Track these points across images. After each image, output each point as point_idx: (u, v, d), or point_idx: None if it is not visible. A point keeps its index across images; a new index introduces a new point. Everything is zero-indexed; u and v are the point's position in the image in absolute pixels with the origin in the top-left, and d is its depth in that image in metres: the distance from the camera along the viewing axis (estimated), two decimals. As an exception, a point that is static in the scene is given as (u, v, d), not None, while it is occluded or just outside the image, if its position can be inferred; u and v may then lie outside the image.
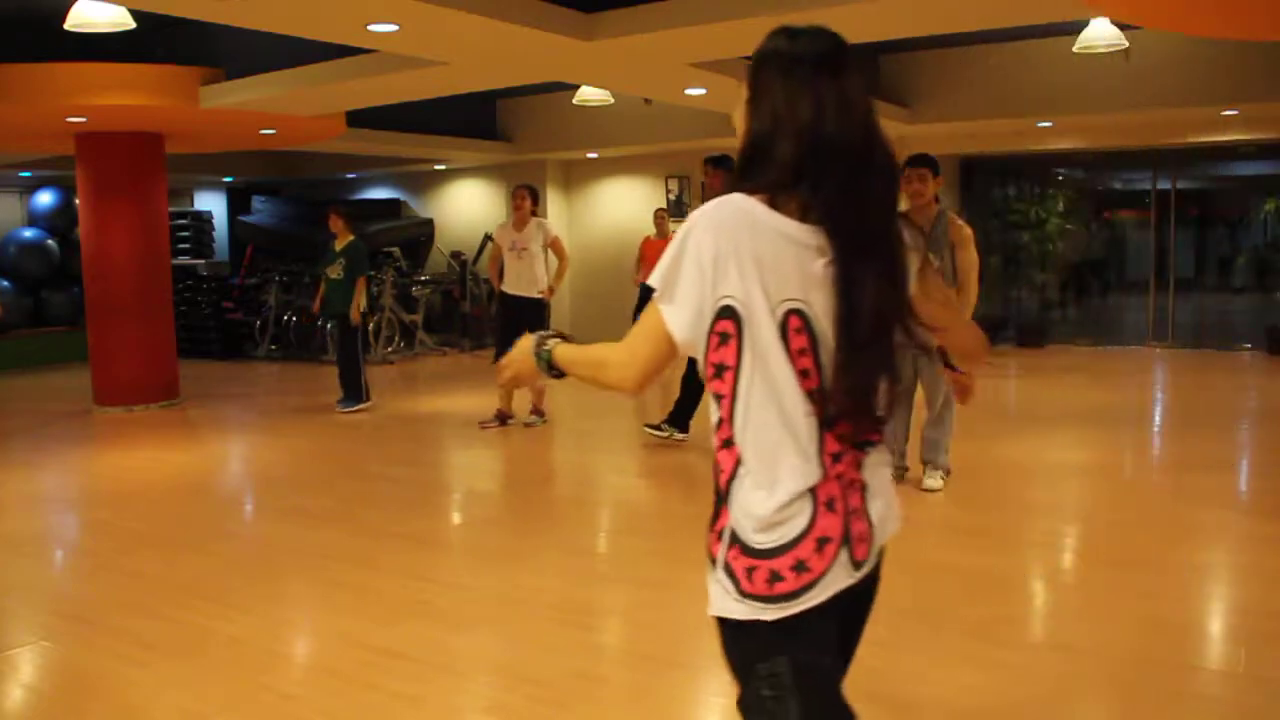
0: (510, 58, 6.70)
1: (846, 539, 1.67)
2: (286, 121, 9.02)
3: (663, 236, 10.75)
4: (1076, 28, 7.58)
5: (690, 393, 6.77)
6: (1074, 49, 7.65)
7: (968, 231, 5.48)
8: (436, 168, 14.57)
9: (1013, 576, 4.34)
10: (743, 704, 1.76)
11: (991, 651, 3.45)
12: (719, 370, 1.69)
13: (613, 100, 9.59)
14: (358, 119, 9.85)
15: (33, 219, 13.51)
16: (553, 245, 7.62)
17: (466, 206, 14.79)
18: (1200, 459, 6.42)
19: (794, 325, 1.65)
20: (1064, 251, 13.06)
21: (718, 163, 6.45)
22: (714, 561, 1.71)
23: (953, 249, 5.44)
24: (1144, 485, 6.05)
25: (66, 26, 5.97)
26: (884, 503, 1.74)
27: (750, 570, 1.66)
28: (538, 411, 7.81)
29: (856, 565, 1.69)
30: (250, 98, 7.88)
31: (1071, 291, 15.89)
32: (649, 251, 10.62)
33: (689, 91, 8.24)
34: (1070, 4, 5.77)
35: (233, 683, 3.35)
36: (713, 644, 3.74)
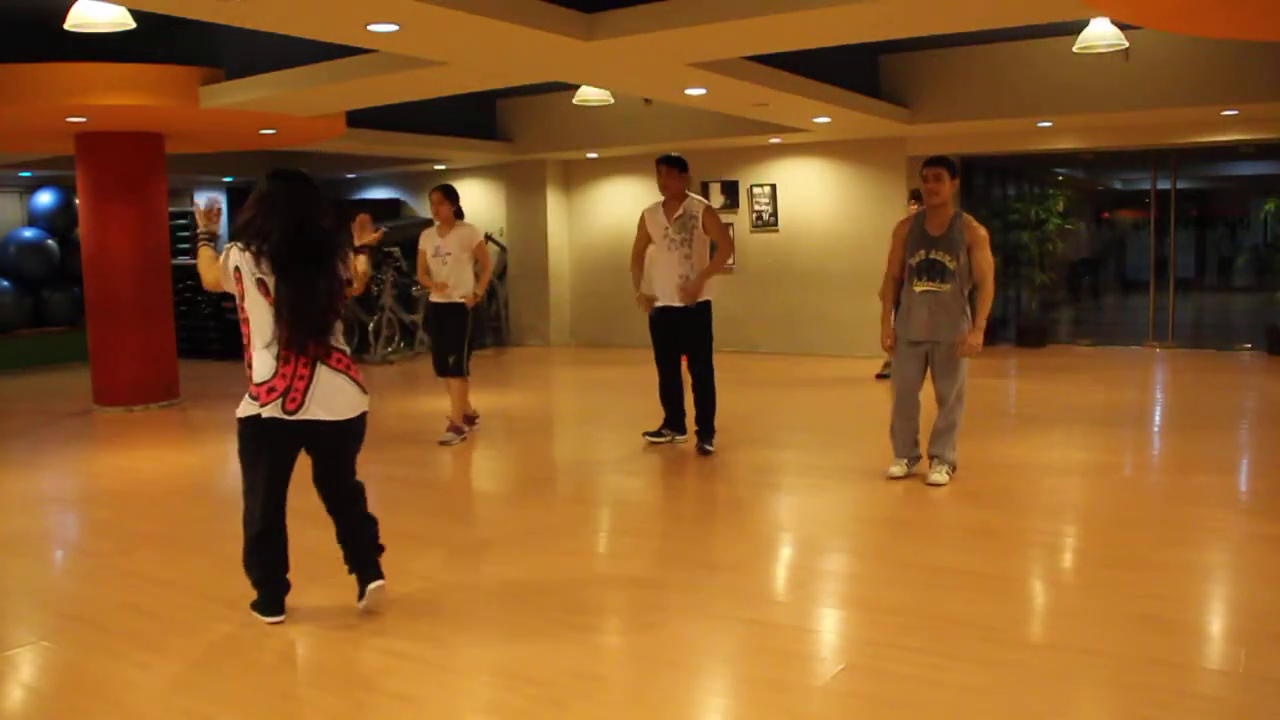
0: (510, 58, 6.70)
1: (283, 395, 3.62)
2: (286, 121, 9.02)
3: None
4: (1076, 28, 7.58)
5: (670, 393, 6.86)
6: (1074, 49, 7.65)
7: (983, 233, 5.62)
8: (436, 168, 14.56)
9: (1013, 576, 4.34)
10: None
11: (992, 651, 3.46)
12: (237, 297, 3.74)
13: (613, 100, 9.59)
14: (358, 119, 9.85)
15: (33, 219, 13.50)
16: (476, 251, 7.21)
17: (466, 207, 14.70)
18: (1200, 459, 6.42)
19: (263, 287, 3.65)
20: (1064, 251, 13.06)
21: (672, 163, 6.62)
22: (249, 392, 3.69)
23: (969, 250, 5.54)
24: (1144, 485, 6.06)
25: (66, 26, 5.97)
26: (325, 393, 3.67)
27: (254, 397, 3.67)
28: (456, 429, 7.26)
29: (288, 412, 3.63)
30: (250, 98, 7.88)
31: (1071, 291, 15.90)
32: None
33: (689, 91, 8.24)
34: (1070, 4, 5.77)
35: (233, 683, 3.35)
36: (713, 644, 3.73)
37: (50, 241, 13.28)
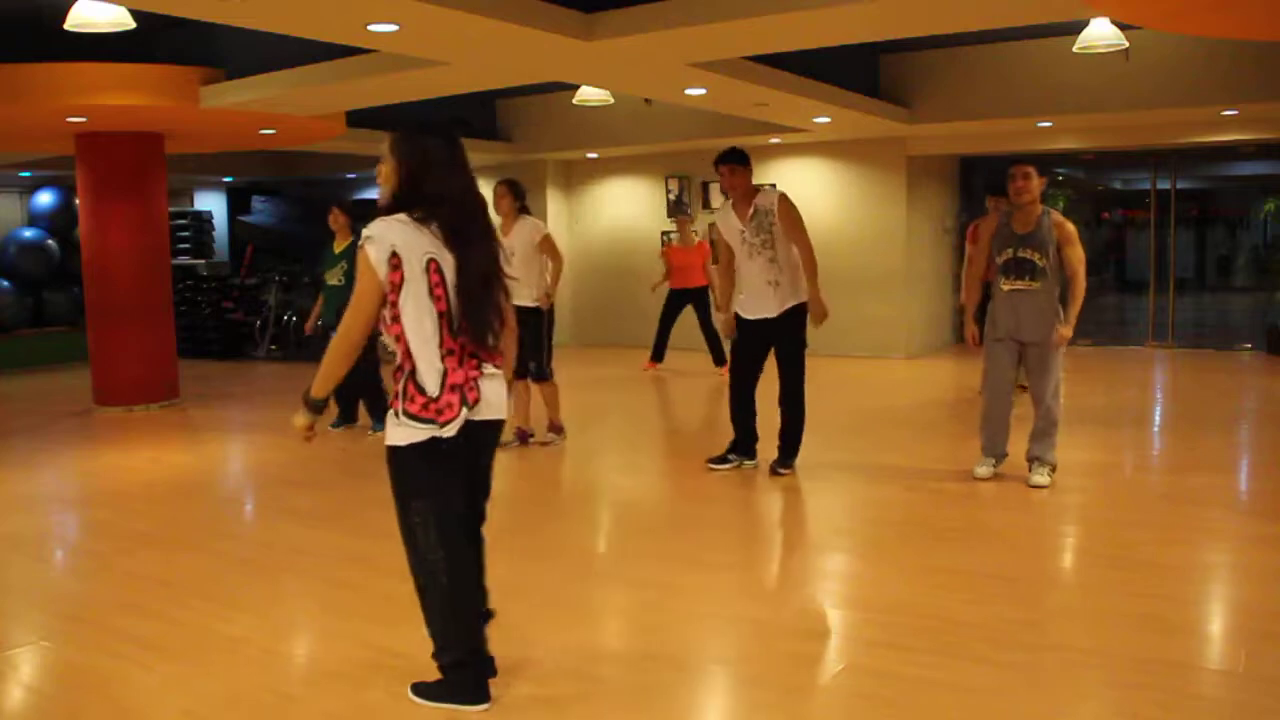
0: (510, 58, 6.70)
1: (462, 398, 2.90)
2: (286, 121, 9.02)
3: (685, 243, 10.54)
4: (1076, 28, 7.58)
5: (743, 413, 6.13)
6: (1074, 49, 7.65)
7: (1071, 228, 5.55)
8: (436, 168, 14.55)
9: (1013, 576, 4.34)
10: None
11: (992, 651, 3.46)
12: (390, 291, 2.87)
13: (613, 100, 9.59)
14: (358, 119, 9.85)
15: (33, 219, 13.50)
16: (542, 245, 6.65)
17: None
18: (1200, 459, 6.42)
19: (435, 270, 2.86)
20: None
21: (729, 159, 5.84)
22: (407, 411, 2.93)
23: (1059, 247, 5.49)
24: (1144, 485, 6.06)
25: (66, 26, 5.96)
26: (488, 389, 2.99)
27: (427, 419, 2.90)
28: (555, 428, 7.08)
29: (469, 406, 2.91)
30: (250, 98, 7.88)
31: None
32: (675, 259, 10.50)
33: (689, 91, 8.24)
34: (1070, 4, 5.77)
35: (233, 683, 3.35)
36: (713, 645, 3.71)
37: (50, 241, 13.27)
